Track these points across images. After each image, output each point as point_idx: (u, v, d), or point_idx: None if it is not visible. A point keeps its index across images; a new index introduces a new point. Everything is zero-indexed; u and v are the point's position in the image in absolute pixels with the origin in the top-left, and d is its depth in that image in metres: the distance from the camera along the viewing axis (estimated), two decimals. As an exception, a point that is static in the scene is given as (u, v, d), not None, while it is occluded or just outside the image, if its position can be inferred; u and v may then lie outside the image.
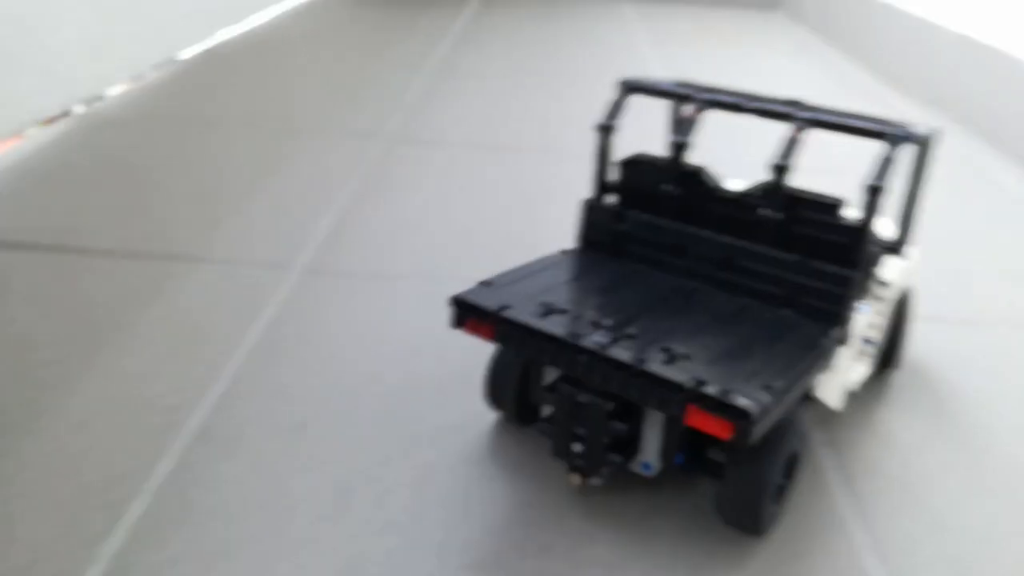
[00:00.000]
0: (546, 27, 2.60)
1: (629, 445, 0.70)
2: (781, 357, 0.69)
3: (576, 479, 0.72)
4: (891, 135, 0.72)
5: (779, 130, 0.76)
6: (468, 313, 0.73)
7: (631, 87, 0.83)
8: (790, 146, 0.74)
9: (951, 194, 1.38)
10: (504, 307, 0.72)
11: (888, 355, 0.89)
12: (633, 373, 0.65)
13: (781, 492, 0.71)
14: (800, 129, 0.74)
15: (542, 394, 0.75)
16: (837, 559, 0.69)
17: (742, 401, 0.61)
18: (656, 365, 0.65)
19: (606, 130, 0.83)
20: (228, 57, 2.02)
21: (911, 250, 0.86)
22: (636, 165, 0.83)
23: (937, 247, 1.16)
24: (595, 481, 0.71)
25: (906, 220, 0.82)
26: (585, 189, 0.95)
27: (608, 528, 0.70)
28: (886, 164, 0.71)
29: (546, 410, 0.75)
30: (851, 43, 2.47)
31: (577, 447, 0.69)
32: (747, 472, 0.67)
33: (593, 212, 0.84)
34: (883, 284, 0.79)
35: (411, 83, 1.86)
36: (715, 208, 0.80)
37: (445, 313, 0.95)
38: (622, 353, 0.66)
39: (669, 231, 0.81)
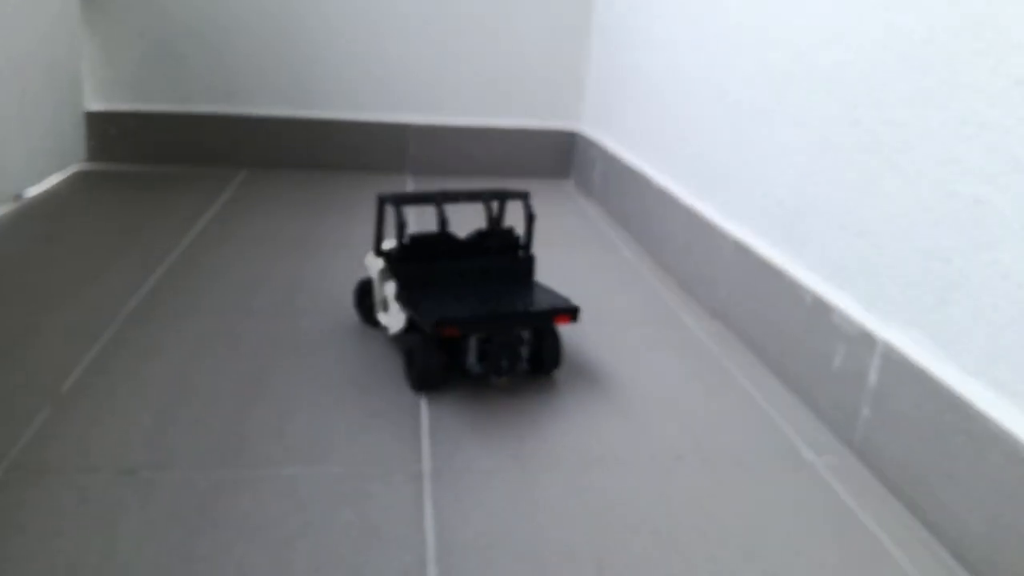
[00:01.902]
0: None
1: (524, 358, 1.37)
2: (540, 290, 1.46)
3: (505, 381, 1.39)
4: (513, 194, 1.48)
5: None
6: (443, 323, 1.29)
7: (384, 200, 1.44)
8: (493, 215, 1.51)
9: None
10: (451, 314, 1.31)
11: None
12: (531, 315, 1.35)
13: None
14: (486, 202, 1.50)
15: (489, 353, 1.34)
16: None
17: (573, 304, 1.38)
18: (536, 306, 1.37)
19: (380, 213, 1.46)
20: None
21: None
22: (417, 237, 1.43)
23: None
24: (507, 382, 1.39)
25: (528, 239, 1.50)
26: None
27: None
28: (501, 210, 1.50)
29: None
30: (633, 224, 2.29)
31: (504, 363, 1.35)
32: (553, 342, 1.39)
33: (404, 264, 1.42)
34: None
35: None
36: (461, 246, 1.46)
37: None
38: (520, 307, 1.36)
39: (447, 262, 1.45)
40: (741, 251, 1.65)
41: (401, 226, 1.38)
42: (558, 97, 2.94)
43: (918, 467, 1.12)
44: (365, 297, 1.58)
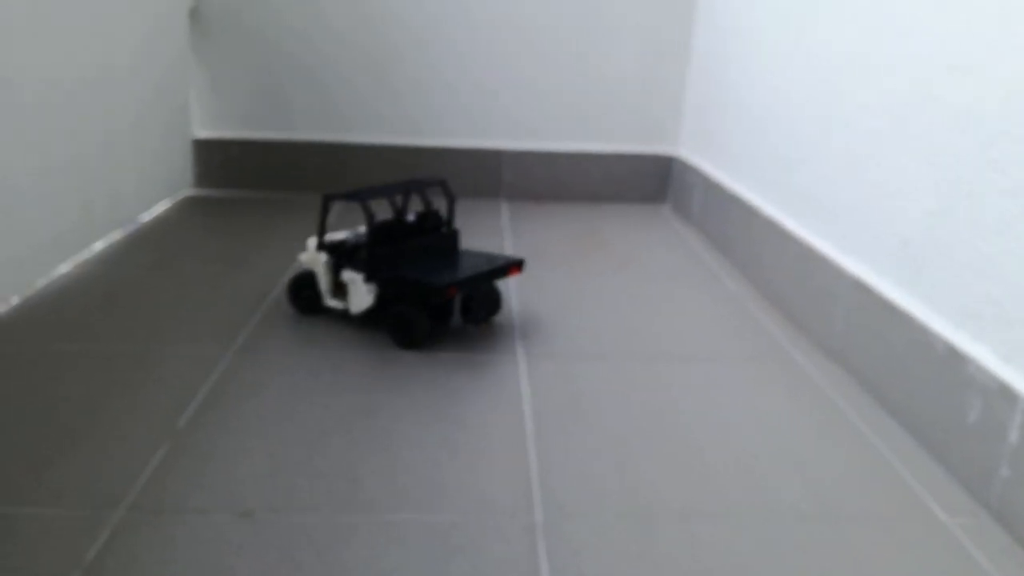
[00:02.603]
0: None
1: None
2: (479, 253, 1.81)
3: (484, 326, 1.74)
4: (434, 182, 1.79)
5: None
6: (450, 286, 1.58)
7: (329, 198, 1.69)
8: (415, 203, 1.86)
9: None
10: (447, 280, 1.61)
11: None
12: (496, 271, 1.69)
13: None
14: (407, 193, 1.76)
15: (471, 306, 1.73)
16: None
17: (519, 257, 1.75)
18: (495, 264, 1.70)
19: (325, 211, 1.69)
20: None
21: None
22: (383, 224, 1.69)
23: None
24: (485, 326, 1.75)
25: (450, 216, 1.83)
26: None
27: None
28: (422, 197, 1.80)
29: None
30: (737, 254, 2.22)
31: (482, 313, 1.74)
32: (493, 294, 1.75)
33: (377, 247, 1.66)
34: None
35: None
36: (410, 229, 1.75)
37: None
38: (486, 266, 1.68)
39: (407, 242, 1.71)
40: (860, 289, 1.57)
41: (371, 216, 1.64)
42: (654, 121, 2.90)
43: (1070, 536, 1.03)
44: (303, 289, 1.75)
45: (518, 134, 2.88)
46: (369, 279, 1.65)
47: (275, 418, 1.35)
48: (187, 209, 2.57)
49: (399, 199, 1.77)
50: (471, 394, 1.46)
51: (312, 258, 1.71)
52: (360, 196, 1.66)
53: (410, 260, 1.70)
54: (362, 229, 1.75)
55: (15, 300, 1.76)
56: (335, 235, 1.75)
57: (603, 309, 1.90)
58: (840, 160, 1.71)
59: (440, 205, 1.88)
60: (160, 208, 2.53)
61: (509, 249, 2.33)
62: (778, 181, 2.04)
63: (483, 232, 2.50)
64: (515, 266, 1.73)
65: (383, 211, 1.72)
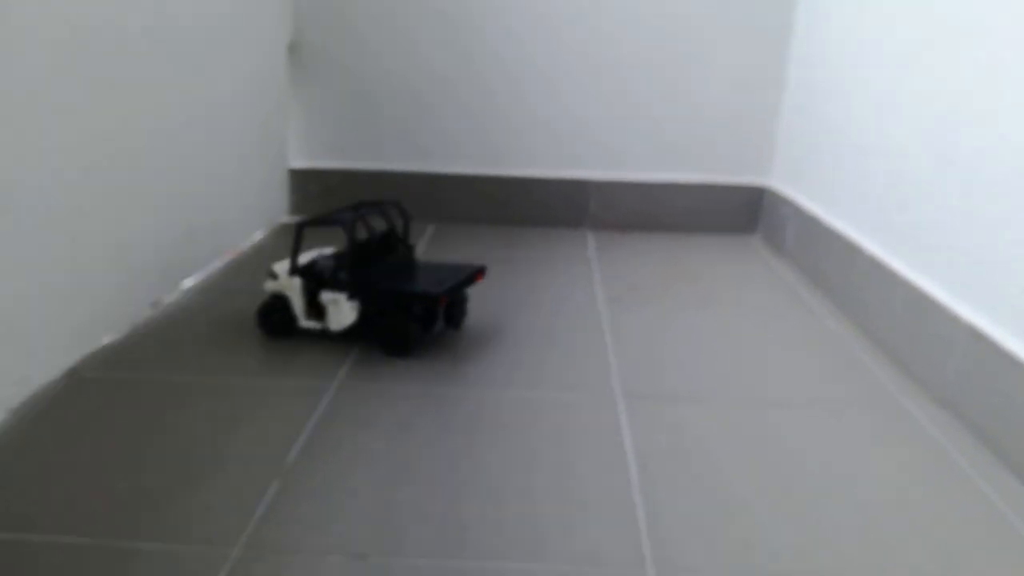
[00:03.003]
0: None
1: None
2: (440, 264, 1.96)
3: (460, 330, 1.90)
4: (391, 203, 1.94)
5: None
6: (443, 294, 1.74)
7: (302, 224, 1.78)
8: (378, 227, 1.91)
9: None
10: (436, 289, 1.75)
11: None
12: (467, 279, 1.83)
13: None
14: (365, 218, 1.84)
15: (453, 313, 1.87)
16: None
17: (482, 265, 1.90)
18: (466, 272, 1.85)
19: (299, 238, 1.77)
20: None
21: None
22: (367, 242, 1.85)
23: None
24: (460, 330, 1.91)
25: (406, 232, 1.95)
26: None
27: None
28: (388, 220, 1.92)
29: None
30: (836, 291, 2.17)
31: (461, 319, 1.90)
32: (465, 300, 1.90)
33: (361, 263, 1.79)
34: None
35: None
36: (380, 247, 1.88)
37: None
38: (460, 276, 1.82)
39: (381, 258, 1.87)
40: (977, 338, 1.51)
41: (352, 239, 1.76)
42: (745, 151, 2.86)
43: None
44: (273, 314, 1.82)
45: (605, 163, 2.87)
46: (352, 296, 1.74)
47: (382, 456, 1.36)
48: (283, 236, 2.64)
49: (369, 220, 1.91)
50: (572, 437, 1.45)
51: (285, 283, 1.79)
52: (335, 221, 1.78)
53: (387, 275, 1.81)
54: (327, 251, 1.87)
55: (125, 329, 1.82)
56: (287, 261, 1.84)
57: (700, 346, 1.87)
58: (955, 202, 1.65)
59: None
60: (258, 236, 2.60)
61: (598, 282, 2.32)
62: (882, 219, 1.98)
63: (570, 262, 2.49)
64: (480, 273, 1.89)
65: (339, 237, 1.83)
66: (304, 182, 2.84)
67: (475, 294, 1.95)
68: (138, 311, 1.89)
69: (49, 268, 1.55)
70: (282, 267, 1.81)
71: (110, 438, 1.39)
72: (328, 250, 1.89)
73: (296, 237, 1.77)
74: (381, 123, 2.82)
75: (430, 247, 2.61)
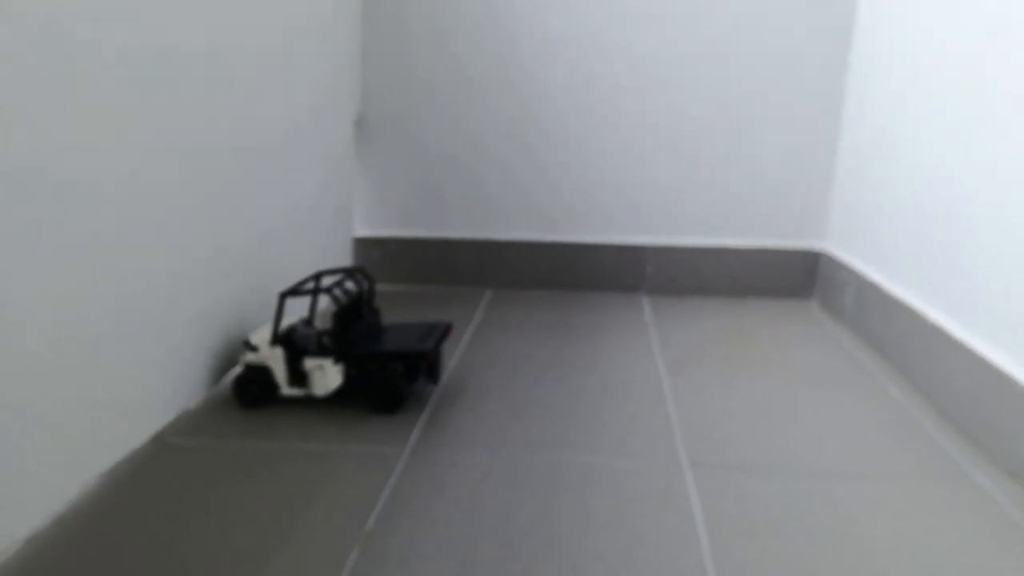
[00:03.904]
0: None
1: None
2: (409, 325, 2.02)
3: (435, 386, 1.99)
4: (357, 269, 2.01)
5: None
6: (432, 351, 1.87)
7: (285, 294, 1.85)
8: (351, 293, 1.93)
9: None
10: (424, 346, 1.88)
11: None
12: (442, 336, 1.94)
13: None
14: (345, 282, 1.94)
15: (434, 369, 1.96)
16: None
17: (449, 322, 2.06)
18: (438, 330, 1.97)
19: (281, 308, 1.84)
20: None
21: None
22: (346, 308, 1.88)
23: None
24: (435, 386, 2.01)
25: (371, 296, 2.01)
26: None
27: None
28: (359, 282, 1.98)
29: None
30: (898, 358, 2.17)
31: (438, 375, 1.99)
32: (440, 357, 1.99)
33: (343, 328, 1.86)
34: None
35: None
36: (354, 310, 1.92)
37: None
38: (436, 334, 1.94)
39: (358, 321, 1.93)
40: (1048, 409, 1.51)
41: (339, 306, 1.85)
42: (800, 216, 2.88)
43: None
44: (251, 385, 1.85)
45: (660, 229, 2.92)
46: (339, 360, 1.83)
47: (457, 523, 1.40)
48: (347, 303, 2.72)
49: (343, 286, 1.97)
50: (643, 505, 1.47)
51: (268, 354, 1.84)
52: (318, 290, 1.90)
53: (367, 338, 1.90)
54: (293, 320, 1.94)
55: (203, 395, 1.90)
56: (262, 331, 1.91)
57: (762, 414, 1.88)
58: (1017, 270, 1.66)
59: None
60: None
61: (656, 350, 2.35)
62: (943, 284, 1.99)
63: (627, 329, 2.53)
64: (448, 329, 2.00)
65: (301, 306, 1.97)
66: (368, 249, 2.94)
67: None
68: (216, 377, 1.97)
69: (142, 334, 1.63)
70: (260, 337, 1.85)
71: (192, 504, 1.45)
72: (295, 319, 1.95)
73: (279, 307, 1.83)
74: (442, 192, 2.92)
75: (488, 312, 2.68)
